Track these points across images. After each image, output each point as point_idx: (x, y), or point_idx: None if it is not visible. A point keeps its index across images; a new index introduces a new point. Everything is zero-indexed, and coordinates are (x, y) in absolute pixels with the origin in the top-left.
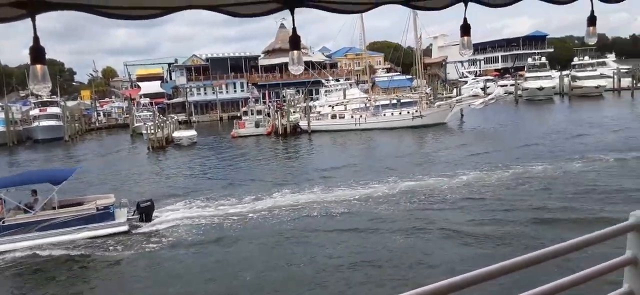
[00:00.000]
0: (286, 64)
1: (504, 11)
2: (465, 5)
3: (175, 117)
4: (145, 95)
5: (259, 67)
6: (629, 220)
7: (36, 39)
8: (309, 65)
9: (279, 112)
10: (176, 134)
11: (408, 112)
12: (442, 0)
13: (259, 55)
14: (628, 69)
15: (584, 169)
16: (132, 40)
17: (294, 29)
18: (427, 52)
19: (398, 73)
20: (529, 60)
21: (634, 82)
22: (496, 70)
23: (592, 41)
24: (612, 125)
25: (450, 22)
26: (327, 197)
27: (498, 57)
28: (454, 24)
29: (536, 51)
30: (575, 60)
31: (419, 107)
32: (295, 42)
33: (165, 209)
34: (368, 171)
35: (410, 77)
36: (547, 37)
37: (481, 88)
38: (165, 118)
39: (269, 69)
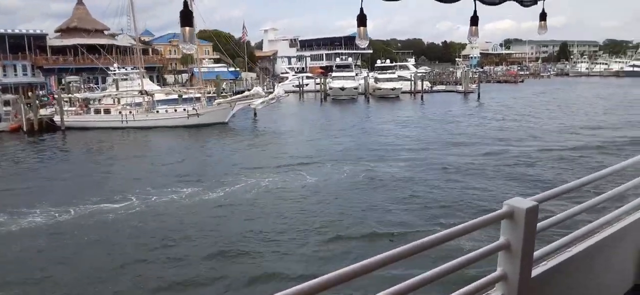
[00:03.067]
0: (83, 45)
1: (348, 10)
2: None
3: None
4: None
5: (47, 48)
6: (502, 209)
7: None
8: (89, 48)
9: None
10: None
11: (184, 110)
12: None
13: (46, 34)
14: (423, 73)
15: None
16: None
17: (185, 3)
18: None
19: (226, 65)
20: (337, 60)
21: (422, 84)
22: (321, 67)
23: (474, 40)
24: (372, 126)
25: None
26: None
27: (323, 55)
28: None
29: (356, 51)
30: (378, 63)
31: (198, 104)
32: (186, 17)
33: None
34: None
35: (236, 69)
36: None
37: (296, 85)
38: None
39: (61, 50)
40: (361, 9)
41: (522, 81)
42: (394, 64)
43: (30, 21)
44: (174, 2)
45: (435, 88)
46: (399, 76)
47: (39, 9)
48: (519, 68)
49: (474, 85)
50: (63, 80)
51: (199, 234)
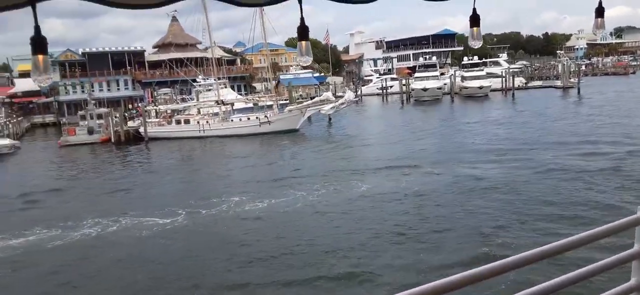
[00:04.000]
0: (177, 59)
1: (446, 8)
2: None
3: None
4: (25, 94)
5: (146, 63)
6: (636, 214)
7: (37, 28)
8: (176, 62)
9: (121, 117)
10: None
11: (257, 118)
12: None
13: (144, 50)
14: (518, 68)
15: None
16: (70, 31)
17: (302, 19)
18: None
19: (311, 71)
20: (420, 59)
21: (512, 81)
22: (408, 68)
23: (600, 33)
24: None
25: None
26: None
27: (410, 55)
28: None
29: (446, 49)
30: (465, 60)
31: (270, 112)
32: (303, 32)
33: None
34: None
35: (321, 74)
36: (457, 34)
37: (380, 87)
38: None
39: (157, 65)
40: (474, 10)
41: (634, 73)
42: (482, 60)
43: (141, 39)
44: (264, 15)
45: (531, 84)
46: (487, 73)
47: (150, 27)
48: (632, 58)
49: (574, 80)
50: (155, 93)
51: (227, 252)
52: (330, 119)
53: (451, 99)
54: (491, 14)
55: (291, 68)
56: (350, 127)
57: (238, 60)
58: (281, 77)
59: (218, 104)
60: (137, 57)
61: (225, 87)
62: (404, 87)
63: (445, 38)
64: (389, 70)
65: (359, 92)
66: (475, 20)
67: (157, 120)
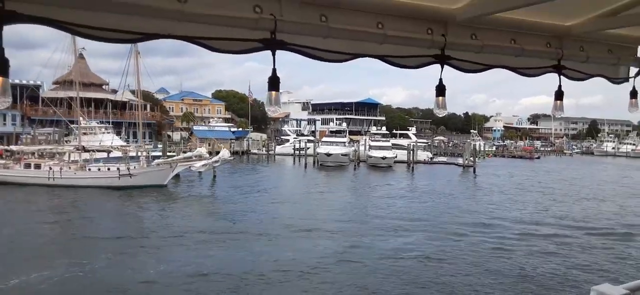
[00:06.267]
0: (81, 99)
1: (384, 80)
2: (441, 68)
3: None
4: None
5: (40, 98)
6: None
7: (1, 50)
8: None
9: None
10: None
11: (118, 169)
12: (417, 60)
13: (40, 85)
14: (425, 143)
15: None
16: None
17: (274, 69)
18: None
19: (230, 125)
20: (331, 125)
21: (414, 155)
22: (330, 132)
23: (559, 114)
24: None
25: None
26: None
27: (333, 119)
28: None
29: (368, 117)
30: (373, 130)
31: (136, 164)
32: (273, 82)
33: None
34: None
35: (240, 129)
36: (380, 105)
37: (296, 148)
38: None
39: (54, 102)
40: (440, 80)
41: (538, 158)
42: (392, 131)
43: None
44: (215, 65)
45: (436, 159)
46: (393, 144)
47: (91, 65)
48: (542, 144)
49: (476, 159)
50: (32, 132)
51: None
52: (214, 175)
53: (355, 166)
54: (430, 91)
55: (212, 120)
56: (233, 186)
57: (148, 107)
58: (194, 128)
59: (78, 150)
60: (31, 92)
61: (109, 132)
62: (305, 151)
63: (368, 106)
64: (313, 132)
65: (273, 150)
66: (441, 90)
67: (3, 162)
